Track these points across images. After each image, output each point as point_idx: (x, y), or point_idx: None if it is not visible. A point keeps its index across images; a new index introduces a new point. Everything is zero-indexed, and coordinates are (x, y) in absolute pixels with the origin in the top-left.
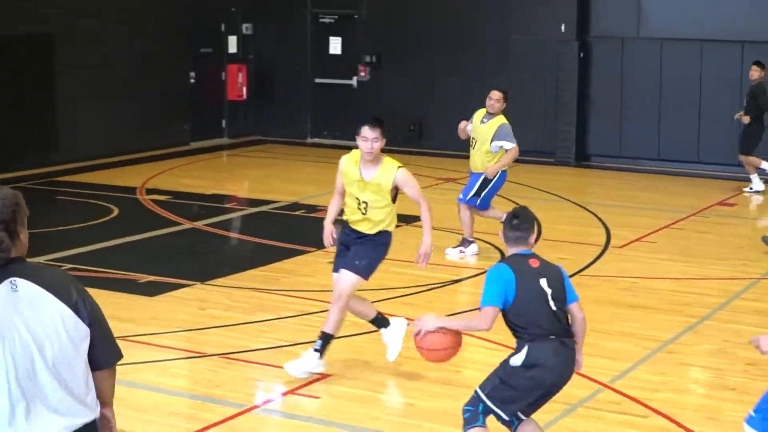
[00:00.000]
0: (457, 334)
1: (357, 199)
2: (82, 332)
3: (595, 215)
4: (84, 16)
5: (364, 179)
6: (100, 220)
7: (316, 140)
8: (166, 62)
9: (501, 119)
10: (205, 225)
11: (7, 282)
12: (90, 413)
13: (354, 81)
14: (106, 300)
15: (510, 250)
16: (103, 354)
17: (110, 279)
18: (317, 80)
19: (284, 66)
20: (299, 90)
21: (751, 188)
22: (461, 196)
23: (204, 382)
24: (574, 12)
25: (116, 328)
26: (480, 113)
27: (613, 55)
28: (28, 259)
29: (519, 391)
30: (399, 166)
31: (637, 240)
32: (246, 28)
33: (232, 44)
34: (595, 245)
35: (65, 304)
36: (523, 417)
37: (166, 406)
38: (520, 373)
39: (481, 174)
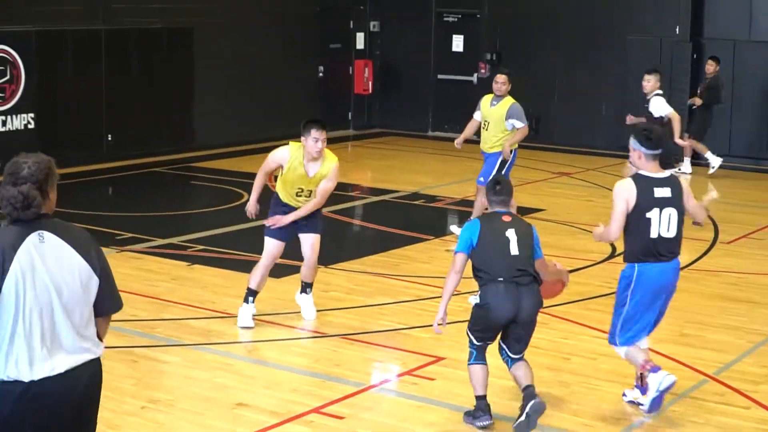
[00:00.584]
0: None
1: (301, 188)
2: (93, 283)
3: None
4: (220, 12)
5: (309, 175)
6: (231, 205)
7: (437, 133)
8: (297, 56)
9: (510, 99)
10: (330, 212)
11: (35, 234)
12: (91, 353)
13: (474, 77)
14: (235, 280)
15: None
16: (107, 303)
17: (240, 261)
18: (439, 76)
19: (408, 62)
20: (422, 85)
21: (680, 169)
22: (481, 179)
23: (324, 361)
24: (688, 14)
25: (232, 306)
26: (487, 98)
27: (724, 57)
28: (135, 235)
29: (481, 326)
30: (336, 161)
31: (744, 236)
32: (373, 25)
33: (360, 40)
34: (703, 240)
35: (83, 258)
36: (513, 356)
37: (289, 383)
38: (477, 311)
39: (496, 154)
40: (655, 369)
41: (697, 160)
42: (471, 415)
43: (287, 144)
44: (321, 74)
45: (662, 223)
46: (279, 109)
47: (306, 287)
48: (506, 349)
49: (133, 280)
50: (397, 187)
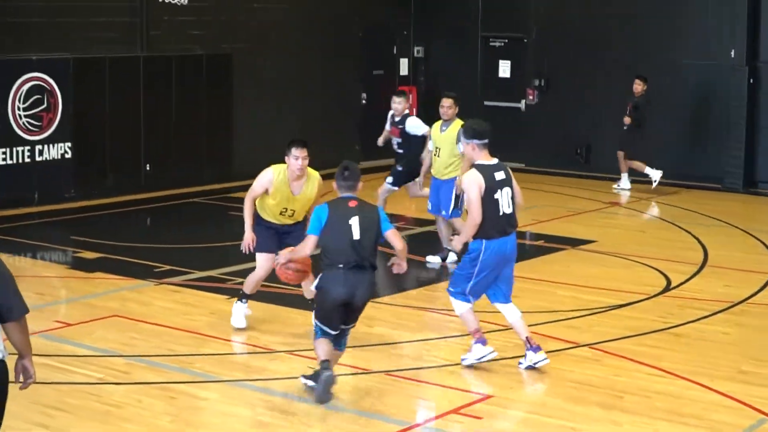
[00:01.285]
0: (302, 262)
1: (285, 208)
2: None
3: (763, 243)
4: (260, 38)
5: (294, 194)
6: None
7: None
8: (339, 83)
9: (459, 122)
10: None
11: None
12: None
13: (522, 104)
14: (275, 314)
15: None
16: (7, 309)
17: (280, 294)
18: (486, 103)
19: (454, 88)
20: (468, 112)
21: (618, 186)
22: (443, 212)
23: (368, 398)
24: (744, 38)
25: (284, 342)
26: (437, 124)
27: None
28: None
29: (322, 308)
30: (318, 176)
31: None
32: (417, 51)
33: (404, 66)
34: (763, 273)
35: None
36: (332, 331)
37: (331, 420)
38: (318, 294)
39: (451, 180)
40: (482, 341)
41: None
42: (312, 378)
43: (270, 167)
44: (364, 101)
45: (504, 202)
46: (320, 137)
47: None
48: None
49: (171, 314)
50: None
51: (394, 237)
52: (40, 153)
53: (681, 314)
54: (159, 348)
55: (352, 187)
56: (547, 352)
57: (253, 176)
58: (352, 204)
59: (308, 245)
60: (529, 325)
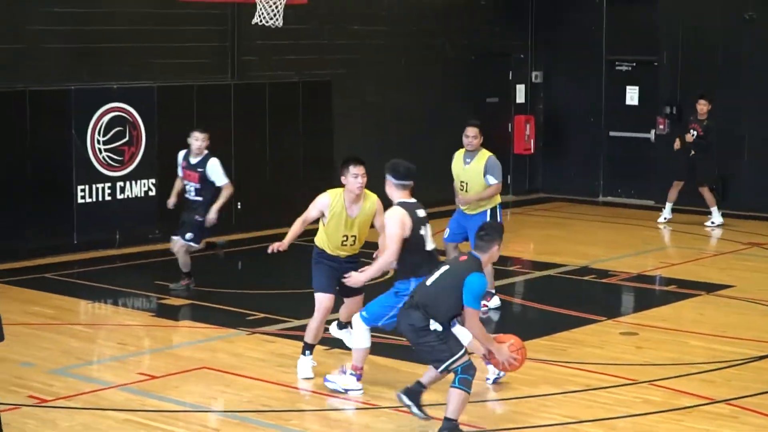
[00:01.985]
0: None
1: (345, 235)
2: None
3: None
4: (362, 63)
5: (352, 216)
6: (376, 281)
7: (609, 198)
8: (450, 112)
9: (486, 153)
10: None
11: None
12: None
13: (651, 134)
14: (378, 365)
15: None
16: None
17: (385, 344)
18: (611, 133)
19: (576, 117)
20: (592, 143)
21: (713, 222)
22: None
23: None
24: None
25: (389, 398)
26: (458, 155)
27: None
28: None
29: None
30: (375, 196)
31: None
32: (535, 76)
33: (520, 93)
34: None
35: None
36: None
37: None
38: None
39: (481, 214)
40: (358, 376)
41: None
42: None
43: (326, 192)
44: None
45: (428, 239)
46: (429, 171)
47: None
48: None
49: (265, 366)
50: (563, 260)
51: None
52: (122, 190)
53: None
54: (251, 403)
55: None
56: (680, 409)
57: None
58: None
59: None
60: (659, 379)
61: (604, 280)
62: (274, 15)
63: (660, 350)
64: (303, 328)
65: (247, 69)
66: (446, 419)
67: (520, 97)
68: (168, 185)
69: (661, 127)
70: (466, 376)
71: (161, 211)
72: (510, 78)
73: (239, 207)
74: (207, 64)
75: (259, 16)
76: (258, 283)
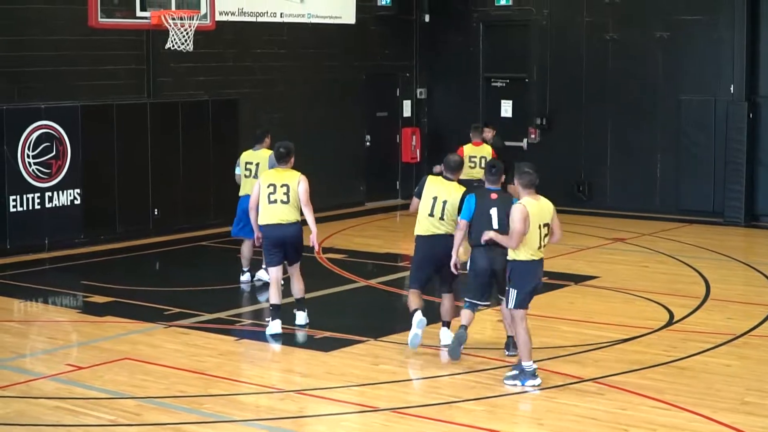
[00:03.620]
0: None
1: None
2: None
3: (764, 275)
4: (265, 83)
5: None
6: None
7: None
8: (343, 125)
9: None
10: (379, 283)
11: None
12: None
13: (524, 143)
14: (284, 354)
15: (487, 185)
16: None
17: (287, 335)
18: None
19: (457, 129)
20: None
21: None
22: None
23: None
24: (743, 73)
25: (291, 381)
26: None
27: None
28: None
29: (473, 283)
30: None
31: None
32: (420, 92)
33: (407, 108)
34: (764, 305)
35: None
36: (482, 303)
37: None
38: (469, 270)
39: None
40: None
41: None
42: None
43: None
44: (368, 143)
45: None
46: (325, 179)
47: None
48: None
49: (180, 356)
50: None
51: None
52: (50, 199)
53: (684, 347)
54: (169, 389)
55: (494, 181)
56: (551, 387)
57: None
58: (493, 196)
59: (460, 230)
60: (534, 361)
61: None
62: (185, 40)
63: (535, 336)
64: (215, 321)
65: (162, 89)
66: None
67: (407, 111)
68: (93, 195)
69: (533, 136)
70: None
71: (86, 218)
72: (397, 94)
73: (156, 213)
74: (126, 85)
75: (172, 42)
76: (173, 282)
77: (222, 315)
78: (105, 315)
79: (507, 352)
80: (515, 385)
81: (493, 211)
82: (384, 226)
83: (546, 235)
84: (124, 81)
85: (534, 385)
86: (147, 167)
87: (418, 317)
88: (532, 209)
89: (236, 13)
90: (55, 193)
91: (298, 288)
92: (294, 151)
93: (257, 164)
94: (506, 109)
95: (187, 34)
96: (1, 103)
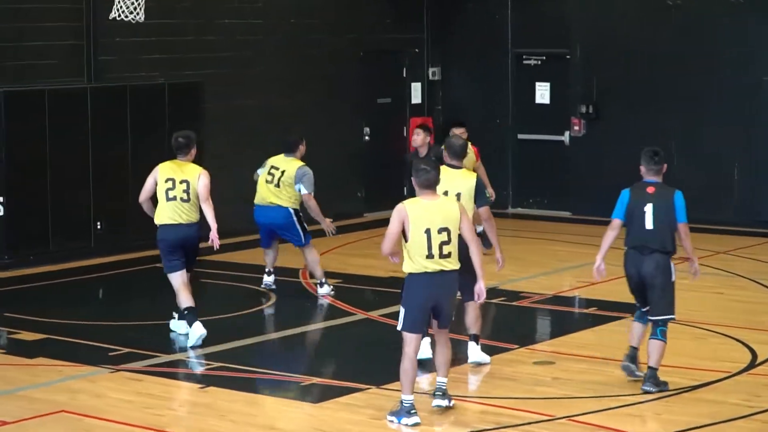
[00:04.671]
0: None
1: None
2: None
3: None
4: (236, 62)
5: None
6: (254, 309)
7: (519, 210)
8: (336, 115)
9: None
10: (381, 315)
11: None
12: None
13: (566, 137)
14: (260, 406)
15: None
16: None
17: (266, 380)
18: (520, 136)
19: (480, 118)
20: (498, 148)
21: None
22: None
23: None
24: None
25: None
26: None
27: None
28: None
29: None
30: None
31: None
32: (433, 72)
33: (416, 92)
34: None
35: None
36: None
37: None
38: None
39: None
40: None
41: None
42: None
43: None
44: (367, 137)
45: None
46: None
47: None
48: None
49: (131, 408)
50: None
51: (681, 229)
52: None
53: None
54: None
55: (658, 171)
56: None
57: (229, 234)
58: (650, 189)
59: (611, 230)
60: (579, 414)
61: (515, 303)
62: (135, 9)
63: (580, 381)
64: (172, 364)
65: (106, 70)
66: (651, 368)
67: (416, 97)
68: (19, 205)
69: (577, 128)
70: (666, 328)
71: (10, 233)
72: (404, 75)
73: (99, 228)
74: (59, 66)
75: (118, 10)
76: (121, 313)
77: (183, 356)
78: (36, 356)
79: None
80: (392, 421)
81: (648, 208)
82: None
83: (445, 243)
84: (58, 60)
85: (409, 424)
86: (87, 169)
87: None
88: (416, 210)
89: None
90: None
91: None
92: (195, 140)
93: (283, 172)
94: (542, 93)
95: (137, 0)
96: None
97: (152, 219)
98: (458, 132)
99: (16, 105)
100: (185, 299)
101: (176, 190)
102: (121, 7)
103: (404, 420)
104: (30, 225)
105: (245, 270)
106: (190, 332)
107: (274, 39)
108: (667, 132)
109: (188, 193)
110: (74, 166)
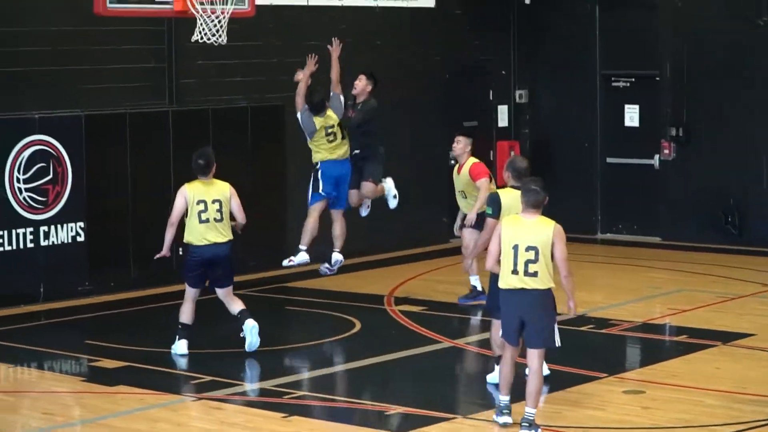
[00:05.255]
0: None
1: None
2: None
3: None
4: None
5: None
6: (338, 337)
7: (608, 235)
8: (421, 139)
9: (472, 159)
10: (467, 343)
11: None
12: None
13: (655, 160)
14: None
15: None
16: None
17: (348, 410)
18: (609, 160)
19: (568, 142)
20: (587, 172)
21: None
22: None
23: None
24: None
25: None
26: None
27: None
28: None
29: None
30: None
31: None
32: (519, 95)
33: (503, 115)
34: None
35: None
36: None
37: None
38: None
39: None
40: None
41: None
42: None
43: None
44: (453, 162)
45: None
46: (398, 208)
47: None
48: None
49: None
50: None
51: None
52: (46, 236)
53: None
54: None
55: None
56: None
57: (315, 260)
58: None
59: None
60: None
61: (604, 331)
62: (217, 30)
63: (671, 411)
64: (257, 392)
65: (187, 93)
66: None
67: (503, 120)
68: (100, 230)
69: (667, 151)
70: None
71: (92, 259)
72: (490, 98)
73: (181, 253)
74: (141, 89)
75: (200, 33)
76: (203, 341)
77: (266, 385)
78: (116, 384)
79: None
80: None
81: None
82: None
83: (531, 261)
84: (140, 83)
85: (499, 423)
86: (169, 193)
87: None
88: (510, 225)
89: None
90: (53, 227)
91: (237, 306)
92: (214, 156)
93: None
94: (631, 116)
95: (219, 22)
96: None
97: (239, 243)
98: (461, 144)
99: (97, 129)
100: (186, 314)
101: (209, 211)
102: (203, 28)
103: (497, 418)
104: (111, 251)
105: (329, 297)
106: (174, 346)
107: (359, 61)
108: (759, 154)
109: (221, 213)
110: (155, 190)
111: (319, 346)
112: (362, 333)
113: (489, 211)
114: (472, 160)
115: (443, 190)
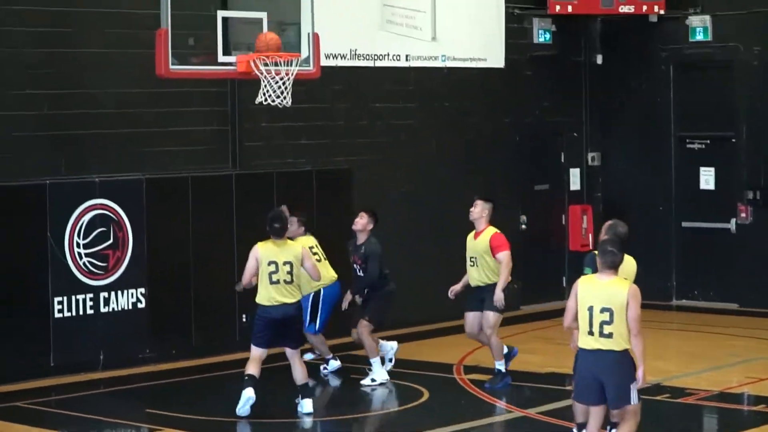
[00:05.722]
0: None
1: None
2: None
3: None
4: (387, 148)
5: None
6: (407, 406)
7: (684, 302)
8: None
9: (492, 229)
10: (539, 413)
11: None
12: None
13: (732, 224)
14: None
15: None
16: None
17: None
18: (684, 224)
19: (642, 205)
20: (661, 236)
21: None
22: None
23: None
24: None
25: None
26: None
27: None
28: None
29: None
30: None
31: None
32: (592, 158)
33: (575, 179)
34: None
35: None
36: None
37: None
38: None
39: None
40: None
41: None
42: None
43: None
44: (524, 226)
45: None
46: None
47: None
48: None
49: None
50: None
51: None
52: (106, 302)
53: None
54: None
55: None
56: None
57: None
58: None
59: None
60: None
61: (679, 400)
62: (282, 92)
63: None
64: None
65: (251, 157)
66: None
67: (575, 184)
68: (161, 296)
69: (744, 215)
70: None
71: (153, 326)
72: (562, 161)
73: (245, 320)
74: (204, 152)
75: (264, 95)
76: (272, 411)
77: None
78: None
79: None
80: None
81: None
82: (546, 337)
83: (606, 322)
84: (203, 146)
85: None
86: (233, 259)
87: None
88: (585, 287)
89: (348, 56)
90: (113, 293)
91: (301, 374)
92: (288, 218)
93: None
94: (707, 179)
95: (284, 84)
96: (43, 176)
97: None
98: (478, 207)
99: (159, 192)
100: (254, 369)
101: (280, 273)
102: (267, 90)
103: None
104: (172, 318)
105: (397, 365)
106: (242, 397)
107: (428, 123)
108: None
109: (292, 275)
110: (219, 255)
111: (386, 416)
112: (430, 402)
113: (587, 272)
114: (492, 230)
115: (515, 255)
